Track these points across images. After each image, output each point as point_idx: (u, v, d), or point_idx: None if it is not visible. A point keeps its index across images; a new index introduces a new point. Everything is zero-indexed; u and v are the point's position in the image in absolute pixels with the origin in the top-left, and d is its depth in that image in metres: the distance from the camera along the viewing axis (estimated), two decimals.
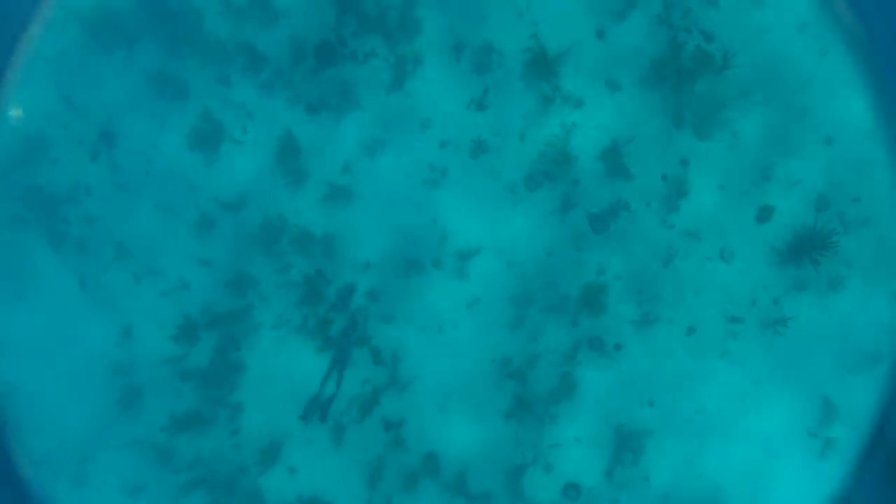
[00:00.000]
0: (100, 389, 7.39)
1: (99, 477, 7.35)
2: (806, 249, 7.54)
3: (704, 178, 7.63)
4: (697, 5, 7.55)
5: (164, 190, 7.45)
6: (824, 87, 7.59)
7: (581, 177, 7.60)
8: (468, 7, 7.49)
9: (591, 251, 7.63)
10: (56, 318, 7.38)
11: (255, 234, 7.49)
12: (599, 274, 7.62)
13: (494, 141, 7.55)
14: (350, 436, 7.53)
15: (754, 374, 7.65)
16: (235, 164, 7.47)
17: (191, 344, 7.42)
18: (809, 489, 7.51)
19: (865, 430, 7.59)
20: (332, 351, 7.42)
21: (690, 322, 7.63)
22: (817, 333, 7.65)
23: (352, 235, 7.55)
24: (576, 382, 7.60)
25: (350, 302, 7.53)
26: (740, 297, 7.64)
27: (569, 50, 7.51)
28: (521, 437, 7.58)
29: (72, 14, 7.28)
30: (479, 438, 7.57)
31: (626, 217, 7.61)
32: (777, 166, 7.62)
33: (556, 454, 7.57)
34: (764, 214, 7.63)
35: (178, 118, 7.41)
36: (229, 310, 7.46)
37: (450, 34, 7.48)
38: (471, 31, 7.48)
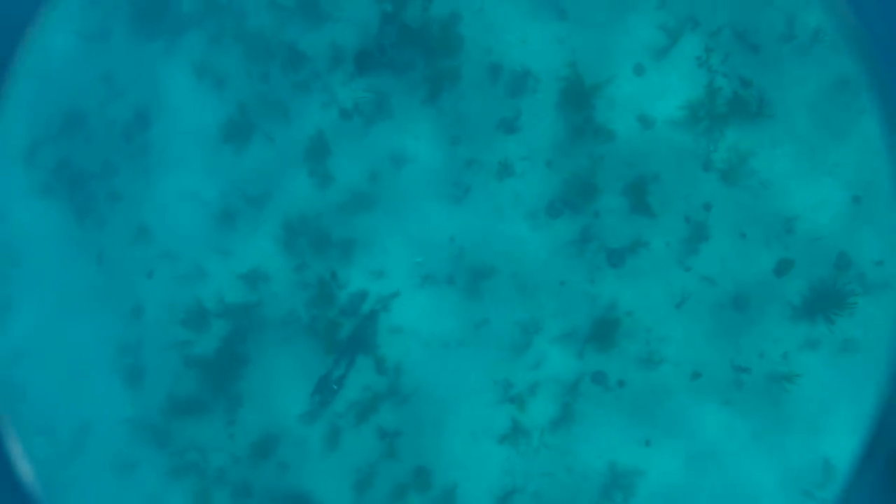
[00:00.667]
0: (105, 364, 7.49)
1: (94, 449, 7.44)
2: (822, 307, 7.46)
3: (726, 224, 7.58)
4: (738, 51, 7.53)
5: (192, 177, 7.55)
6: (858, 146, 7.52)
7: (603, 210, 7.59)
8: (510, 29, 7.52)
9: (605, 285, 7.60)
10: (69, 290, 7.50)
11: (274, 230, 7.56)
12: (611, 309, 7.59)
13: (521, 165, 7.57)
14: (344, 440, 7.55)
15: (755, 427, 7.56)
16: (264, 160, 7.56)
17: (199, 331, 7.50)
18: None
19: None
20: (343, 343, 7.43)
21: (696, 366, 7.57)
22: (824, 393, 7.55)
23: (369, 242, 7.60)
24: (574, 414, 7.57)
25: (360, 308, 7.57)
26: (749, 347, 7.57)
27: (606, 82, 7.52)
28: (513, 461, 7.55)
29: None
30: (471, 458, 7.55)
31: (644, 255, 7.58)
32: (801, 220, 7.56)
33: (547, 483, 7.53)
34: (782, 267, 7.56)
35: (214, 108, 7.52)
36: (241, 302, 7.53)
37: (488, 54, 7.52)
38: (510, 53, 7.52)
